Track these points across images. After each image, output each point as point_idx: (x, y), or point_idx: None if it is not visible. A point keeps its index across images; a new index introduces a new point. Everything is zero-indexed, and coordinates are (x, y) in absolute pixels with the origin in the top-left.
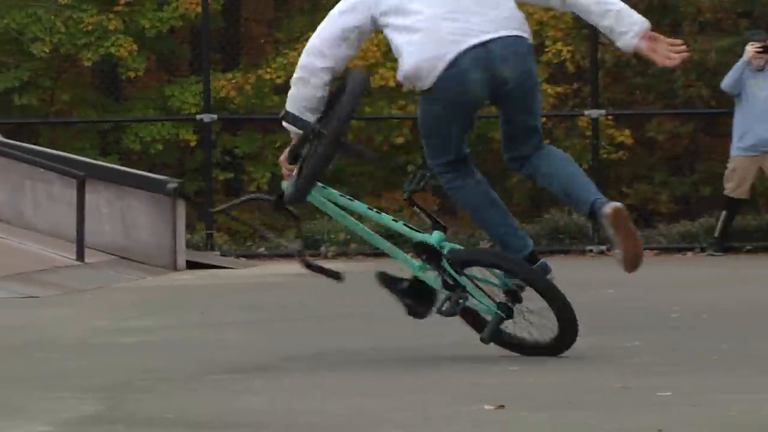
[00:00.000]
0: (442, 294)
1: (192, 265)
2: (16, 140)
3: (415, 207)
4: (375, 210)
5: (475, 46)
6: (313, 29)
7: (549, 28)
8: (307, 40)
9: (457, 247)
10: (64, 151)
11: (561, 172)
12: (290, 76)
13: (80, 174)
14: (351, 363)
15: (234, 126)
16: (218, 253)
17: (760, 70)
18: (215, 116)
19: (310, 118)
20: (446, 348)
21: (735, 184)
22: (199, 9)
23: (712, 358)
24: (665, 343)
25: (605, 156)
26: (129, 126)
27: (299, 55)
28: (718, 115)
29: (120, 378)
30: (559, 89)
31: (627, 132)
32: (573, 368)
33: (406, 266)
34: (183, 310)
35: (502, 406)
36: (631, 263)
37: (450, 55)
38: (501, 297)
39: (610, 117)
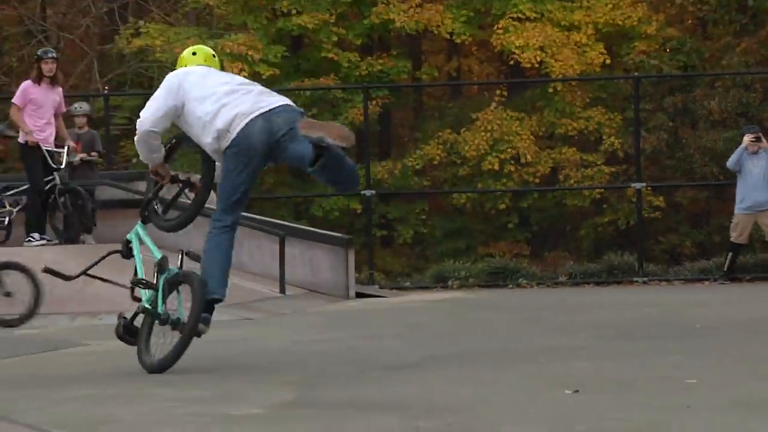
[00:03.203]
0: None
1: (359, 295)
2: None
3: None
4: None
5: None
6: (443, 130)
7: (605, 127)
8: (437, 139)
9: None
10: (269, 217)
11: None
12: (426, 164)
13: (281, 233)
14: (477, 361)
15: (387, 198)
16: (377, 286)
17: (755, 153)
18: (374, 191)
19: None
20: (541, 350)
21: (738, 233)
22: (362, 118)
23: (731, 354)
24: (694, 347)
25: (646, 215)
26: (315, 199)
27: (433, 148)
28: (725, 186)
29: (309, 374)
30: (613, 169)
31: (661, 198)
32: (622, 362)
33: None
34: (353, 326)
35: (576, 391)
36: (340, 137)
37: None
38: None
39: (649, 188)
